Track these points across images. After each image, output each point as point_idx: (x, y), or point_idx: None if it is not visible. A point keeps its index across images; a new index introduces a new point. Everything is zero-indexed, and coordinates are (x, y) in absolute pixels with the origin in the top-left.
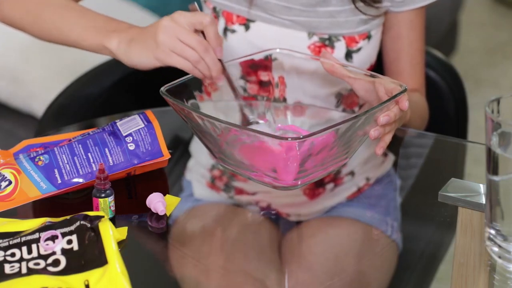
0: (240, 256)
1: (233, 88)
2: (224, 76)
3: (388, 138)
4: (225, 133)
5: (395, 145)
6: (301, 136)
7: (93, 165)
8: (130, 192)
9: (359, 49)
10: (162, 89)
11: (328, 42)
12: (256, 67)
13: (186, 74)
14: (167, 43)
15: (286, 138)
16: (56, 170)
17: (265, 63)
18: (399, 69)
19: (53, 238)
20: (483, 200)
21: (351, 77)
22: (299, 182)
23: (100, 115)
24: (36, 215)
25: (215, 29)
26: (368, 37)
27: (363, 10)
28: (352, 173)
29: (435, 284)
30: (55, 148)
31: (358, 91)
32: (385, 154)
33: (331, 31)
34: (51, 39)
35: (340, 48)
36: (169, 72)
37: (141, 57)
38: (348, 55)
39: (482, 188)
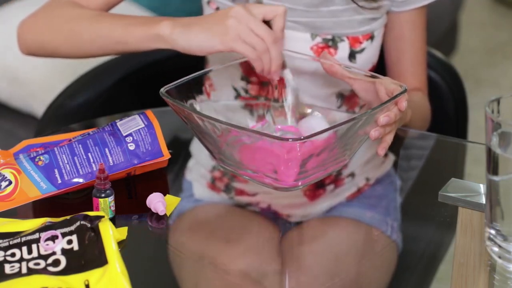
0: (240, 257)
1: (290, 84)
2: (282, 70)
3: (389, 139)
4: (225, 134)
5: (395, 145)
6: (302, 137)
7: (93, 165)
8: (130, 192)
9: (362, 50)
10: (162, 90)
11: (331, 42)
12: None
13: (186, 75)
14: (237, 29)
15: (287, 139)
16: (56, 170)
17: None
18: (402, 69)
19: (53, 238)
20: (483, 200)
21: (351, 77)
22: (300, 183)
23: (100, 115)
24: (36, 215)
25: (284, 22)
26: (371, 37)
27: (363, 5)
28: (352, 174)
29: (435, 284)
30: (55, 148)
31: (358, 91)
32: (385, 155)
33: (335, 31)
34: (91, 50)
35: (344, 48)
36: (169, 72)
37: (203, 40)
38: (352, 55)
39: (482, 188)
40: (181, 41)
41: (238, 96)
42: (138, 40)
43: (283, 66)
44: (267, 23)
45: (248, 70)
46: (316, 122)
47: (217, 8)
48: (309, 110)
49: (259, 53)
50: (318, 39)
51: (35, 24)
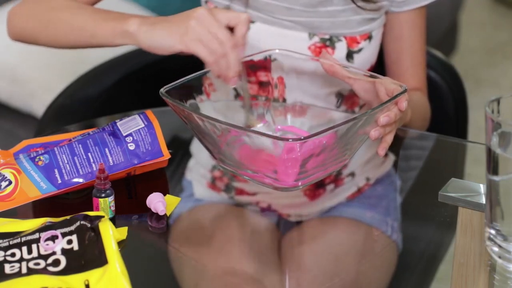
0: (240, 257)
1: (244, 93)
2: (238, 79)
3: (389, 139)
4: (225, 134)
5: (395, 145)
6: (302, 137)
7: (93, 165)
8: (130, 192)
9: (360, 50)
10: (162, 90)
11: (329, 42)
12: (256, 68)
13: (186, 75)
14: (197, 30)
15: (287, 139)
16: (56, 170)
17: (264, 64)
18: (401, 69)
19: (53, 238)
20: (483, 200)
21: (351, 77)
22: (300, 183)
23: (100, 115)
24: (36, 215)
25: (246, 29)
26: (369, 37)
27: (362, 6)
28: (352, 174)
29: (435, 284)
30: (55, 148)
31: (358, 91)
32: (385, 154)
33: (332, 31)
34: (66, 41)
35: (341, 48)
36: (169, 72)
37: (165, 39)
38: (349, 55)
39: (482, 188)
40: (144, 39)
41: (238, 95)
42: (107, 35)
43: (241, 74)
44: (231, 30)
45: (247, 70)
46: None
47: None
48: (259, 125)
49: (217, 57)
50: (316, 39)
51: (21, 10)
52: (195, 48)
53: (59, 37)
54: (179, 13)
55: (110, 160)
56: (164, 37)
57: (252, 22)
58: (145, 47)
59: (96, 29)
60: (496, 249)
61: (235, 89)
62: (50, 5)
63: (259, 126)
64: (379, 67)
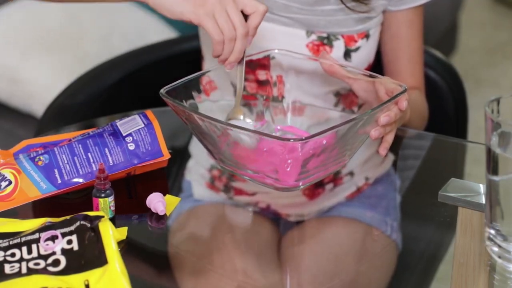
0: (239, 257)
1: (239, 81)
2: (237, 66)
3: (390, 138)
4: (225, 134)
5: (395, 145)
6: (304, 138)
7: (93, 165)
8: (130, 192)
9: (357, 48)
10: (162, 90)
11: (326, 40)
12: (255, 66)
13: (186, 75)
14: (214, 7)
15: (289, 140)
16: (56, 170)
17: (263, 62)
18: (398, 68)
19: (53, 238)
20: (483, 200)
21: (350, 77)
22: (301, 183)
23: (100, 115)
24: (36, 215)
25: (261, 20)
26: (367, 36)
27: (353, 8)
28: (351, 173)
29: (435, 284)
30: (55, 148)
31: (357, 91)
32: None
33: (330, 30)
34: None
35: (339, 47)
36: (169, 73)
37: (178, 5)
38: (347, 54)
39: (482, 188)
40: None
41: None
42: None
43: (241, 62)
44: (245, 16)
45: (246, 68)
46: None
47: None
48: (241, 117)
49: (225, 39)
50: (314, 37)
51: None
52: (207, 23)
53: None
54: None
55: (110, 160)
56: (178, 2)
57: None
58: (153, 6)
59: None
60: (496, 249)
61: (234, 87)
62: None
63: (258, 126)
64: (378, 66)
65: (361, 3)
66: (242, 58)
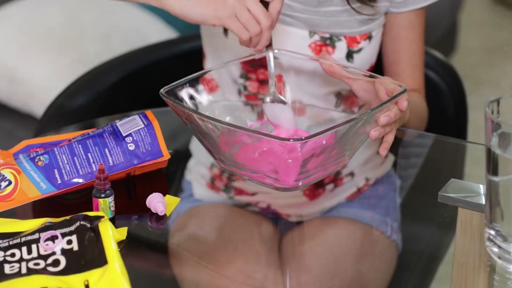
0: (239, 257)
1: (269, 63)
2: (266, 49)
3: (390, 138)
4: (225, 134)
5: (395, 145)
6: (303, 138)
7: (93, 165)
8: (130, 192)
9: (360, 50)
10: (162, 90)
11: (329, 41)
12: (256, 66)
13: (186, 75)
14: (235, 7)
15: (288, 139)
16: (56, 170)
17: (264, 62)
18: (399, 70)
19: (53, 239)
20: (482, 200)
21: (350, 77)
22: (300, 183)
23: (100, 115)
24: (36, 216)
25: (281, 4)
26: (369, 37)
27: (359, 10)
28: (352, 174)
29: (435, 285)
30: (55, 148)
31: (357, 91)
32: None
33: (332, 30)
34: None
35: (341, 48)
36: (169, 73)
37: (199, 10)
38: (349, 55)
39: (482, 188)
40: (175, 7)
41: (239, 92)
42: None
43: (270, 45)
44: (264, 4)
45: (247, 68)
46: (283, 112)
47: None
48: (279, 95)
49: (251, 34)
50: (316, 37)
51: None
52: (231, 24)
53: None
54: None
55: (110, 161)
56: (198, 8)
57: None
58: (174, 13)
59: None
60: (495, 249)
61: (235, 85)
62: None
63: (257, 126)
64: (380, 67)
65: (366, 5)
66: (271, 43)
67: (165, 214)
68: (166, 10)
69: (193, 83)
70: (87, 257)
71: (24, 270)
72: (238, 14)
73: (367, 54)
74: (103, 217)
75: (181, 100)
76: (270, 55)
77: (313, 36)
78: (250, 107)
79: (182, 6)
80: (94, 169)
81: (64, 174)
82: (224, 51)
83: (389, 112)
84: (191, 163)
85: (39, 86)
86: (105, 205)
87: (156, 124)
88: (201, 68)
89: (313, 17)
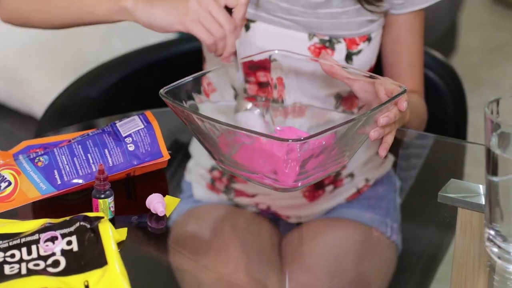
0: (240, 258)
1: (239, 73)
2: (233, 57)
3: (390, 139)
4: (225, 134)
5: (394, 146)
6: (302, 138)
7: (93, 166)
8: (130, 193)
9: (359, 51)
10: (162, 91)
11: (328, 43)
12: (255, 68)
13: (186, 75)
14: (198, 12)
15: (287, 140)
16: (55, 171)
17: (264, 64)
18: (398, 72)
19: (53, 239)
20: (482, 200)
21: (351, 78)
22: (300, 184)
23: (99, 116)
24: (36, 216)
25: (245, 10)
26: (369, 39)
27: (368, 8)
28: (351, 175)
29: (435, 285)
30: (55, 149)
31: (357, 92)
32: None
33: (332, 33)
34: (61, 19)
35: (341, 50)
36: (169, 73)
37: (164, 18)
38: (349, 57)
39: (481, 188)
40: (142, 16)
41: (237, 96)
42: (104, 11)
43: (235, 53)
44: (229, 10)
45: (246, 70)
46: (251, 117)
47: None
48: (248, 106)
49: (215, 39)
50: (315, 40)
51: None
52: (195, 29)
53: (54, 16)
54: None
55: (110, 161)
56: (163, 15)
57: (253, 21)
58: (143, 24)
59: (93, 5)
60: (495, 249)
61: (234, 89)
62: None
63: (249, 107)
64: (379, 69)
65: (373, 5)
66: (235, 52)
67: (165, 215)
68: (136, 22)
69: (193, 84)
70: (87, 257)
71: (24, 271)
72: (201, 18)
73: (366, 56)
74: (103, 217)
75: (180, 100)
76: (237, 63)
77: (312, 38)
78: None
79: (149, 16)
80: (94, 170)
81: (64, 175)
82: None
83: (388, 112)
84: (191, 164)
85: (39, 86)
86: (105, 205)
87: (155, 125)
88: (201, 69)
89: (312, 19)
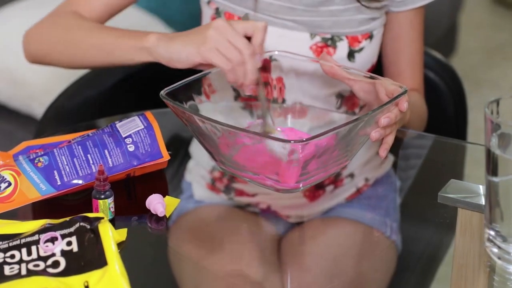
0: (240, 258)
1: (262, 101)
2: (255, 87)
3: (390, 140)
4: (226, 135)
5: (394, 146)
6: (304, 139)
7: (93, 166)
8: (130, 193)
9: (361, 49)
10: (162, 92)
11: (330, 42)
12: None
13: (186, 76)
14: (215, 39)
15: (289, 141)
16: (55, 172)
17: (264, 64)
18: (399, 70)
19: (53, 240)
20: (482, 201)
21: (351, 78)
22: (301, 185)
23: (99, 117)
24: (36, 217)
25: (264, 37)
26: (370, 37)
27: (366, 4)
28: (351, 175)
29: (435, 285)
30: (55, 150)
31: (358, 92)
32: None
33: (334, 31)
34: (85, 60)
35: (343, 48)
36: (169, 74)
37: (182, 51)
38: (351, 55)
39: (481, 189)
40: (162, 52)
41: (237, 96)
42: (125, 52)
43: (258, 83)
44: (248, 39)
45: None
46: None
47: (217, 9)
48: (277, 130)
49: (234, 65)
50: (317, 39)
51: (37, 32)
52: (212, 56)
53: (77, 57)
54: (199, 26)
55: (110, 162)
56: (181, 48)
57: None
58: (164, 61)
59: (114, 46)
60: (495, 250)
61: (234, 90)
62: (66, 25)
63: (256, 123)
64: (380, 67)
65: (374, 0)
66: (258, 79)
67: (165, 215)
68: (157, 60)
69: (193, 85)
70: (87, 258)
71: (24, 272)
72: (218, 45)
73: (368, 53)
74: (103, 218)
75: (181, 101)
76: (262, 92)
77: (314, 37)
78: (249, 110)
79: (168, 51)
80: (94, 170)
81: (64, 175)
82: None
83: (389, 113)
84: (191, 164)
85: (39, 87)
86: (104, 206)
87: (155, 125)
88: (202, 70)
89: (315, 18)
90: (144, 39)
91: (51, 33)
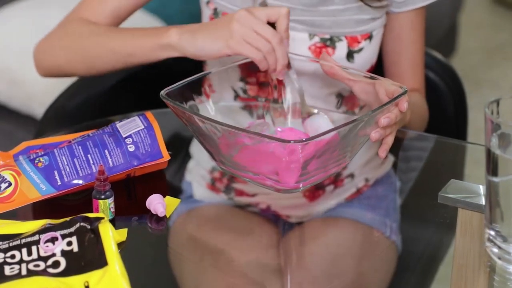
0: (240, 258)
1: (294, 84)
2: (287, 72)
3: (390, 140)
4: (226, 135)
5: (395, 146)
6: (304, 139)
7: (93, 166)
8: (130, 193)
9: (360, 50)
10: (162, 92)
11: (329, 42)
12: (255, 68)
13: (186, 76)
14: (241, 32)
15: (289, 141)
16: (56, 172)
17: None
18: (400, 70)
19: (53, 240)
20: (482, 201)
21: (351, 79)
22: (301, 185)
23: (99, 117)
24: (36, 217)
25: (288, 22)
26: (370, 37)
27: (369, 3)
28: (351, 175)
29: (435, 285)
30: (55, 150)
31: (357, 93)
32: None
33: (333, 31)
34: (104, 65)
35: (342, 48)
36: (169, 74)
37: (210, 45)
38: (350, 55)
39: (481, 189)
40: (189, 47)
41: (237, 97)
42: (149, 51)
43: (289, 66)
44: (271, 25)
45: (246, 71)
46: (321, 122)
47: (215, 9)
48: (315, 110)
49: (265, 54)
50: (316, 39)
51: (48, 45)
52: (243, 49)
53: (97, 64)
54: (220, 18)
55: (110, 162)
56: (209, 43)
57: None
58: (190, 55)
59: (135, 47)
60: (495, 250)
61: (234, 90)
62: (79, 33)
63: (257, 123)
64: (380, 67)
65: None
66: (288, 63)
67: (165, 215)
68: (184, 55)
69: (193, 85)
70: (87, 258)
71: (24, 272)
72: (246, 37)
73: (367, 54)
74: (103, 218)
75: (181, 101)
76: (292, 77)
77: (313, 38)
78: (249, 110)
79: (196, 46)
80: (94, 170)
81: (64, 176)
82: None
83: (389, 114)
84: (191, 164)
85: (39, 87)
86: (105, 206)
87: (156, 126)
88: (202, 70)
89: (314, 18)
90: (165, 35)
91: (64, 44)
